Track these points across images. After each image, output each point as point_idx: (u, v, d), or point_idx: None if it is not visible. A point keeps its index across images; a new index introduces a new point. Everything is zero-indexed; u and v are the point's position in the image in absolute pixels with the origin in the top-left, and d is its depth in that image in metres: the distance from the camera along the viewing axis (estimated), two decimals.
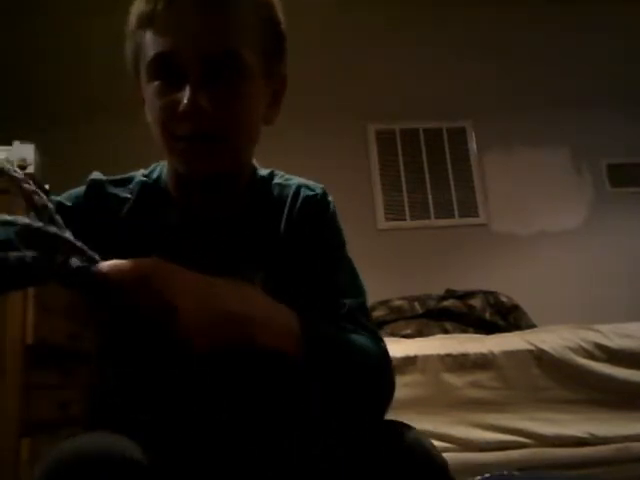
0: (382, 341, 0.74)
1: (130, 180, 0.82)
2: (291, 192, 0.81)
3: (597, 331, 1.93)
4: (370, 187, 3.64)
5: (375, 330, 0.75)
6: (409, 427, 0.65)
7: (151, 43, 0.69)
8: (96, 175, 0.81)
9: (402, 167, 3.70)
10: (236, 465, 0.69)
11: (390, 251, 3.51)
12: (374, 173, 3.67)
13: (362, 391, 0.68)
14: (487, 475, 0.46)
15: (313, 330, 0.66)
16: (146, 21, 0.70)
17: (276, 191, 0.82)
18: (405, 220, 3.61)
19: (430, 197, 3.66)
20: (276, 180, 0.84)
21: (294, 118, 3.61)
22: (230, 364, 0.67)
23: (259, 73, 0.72)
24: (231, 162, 0.74)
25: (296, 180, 0.84)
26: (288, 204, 0.80)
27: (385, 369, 0.71)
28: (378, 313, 2.90)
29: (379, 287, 3.21)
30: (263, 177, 0.83)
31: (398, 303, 2.94)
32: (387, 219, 3.61)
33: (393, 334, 2.65)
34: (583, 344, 1.87)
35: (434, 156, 3.73)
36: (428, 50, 3.18)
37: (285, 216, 0.79)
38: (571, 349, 1.85)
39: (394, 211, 3.63)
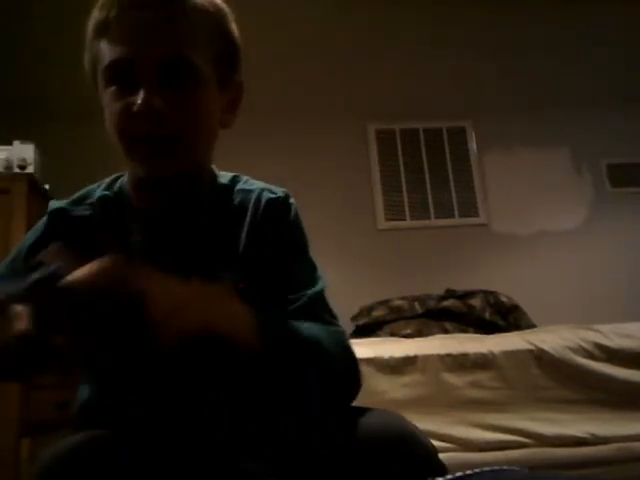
0: (339, 329, 0.76)
1: (87, 196, 0.83)
2: (253, 197, 0.82)
3: (597, 331, 1.93)
4: (370, 187, 3.64)
5: (331, 319, 0.77)
6: (397, 415, 0.66)
7: (106, 51, 0.71)
8: (53, 204, 0.82)
9: (402, 167, 3.70)
10: (208, 455, 0.70)
11: (390, 251, 3.52)
12: (374, 173, 3.67)
13: (318, 376, 0.70)
14: (478, 470, 0.46)
15: (266, 320, 0.67)
16: (101, 30, 0.72)
17: (239, 197, 0.83)
18: (405, 220, 3.61)
19: (430, 197, 3.66)
20: (238, 186, 0.84)
21: (294, 118, 3.62)
22: (194, 356, 0.67)
23: (212, 79, 0.74)
24: (189, 162, 0.76)
25: (259, 185, 0.85)
26: (251, 208, 0.81)
27: (339, 355, 0.72)
28: (378, 313, 2.90)
29: (379, 287, 3.21)
30: (224, 184, 0.84)
31: (398, 303, 2.94)
32: (387, 219, 3.61)
33: (393, 334, 2.65)
34: (583, 344, 1.86)
35: (434, 156, 3.73)
36: (428, 50, 3.18)
37: (248, 219, 0.80)
38: (571, 349, 1.85)
39: (394, 211, 3.63)
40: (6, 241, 2.17)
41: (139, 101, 0.68)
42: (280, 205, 0.82)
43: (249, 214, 0.80)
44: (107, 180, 0.85)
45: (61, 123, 3.23)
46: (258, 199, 0.82)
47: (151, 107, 0.68)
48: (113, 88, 0.71)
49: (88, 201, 0.81)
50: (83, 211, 0.80)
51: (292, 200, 0.84)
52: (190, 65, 0.71)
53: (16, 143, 2.45)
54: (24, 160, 2.42)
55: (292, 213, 0.83)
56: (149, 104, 0.68)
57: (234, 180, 0.86)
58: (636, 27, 3.10)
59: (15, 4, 2.58)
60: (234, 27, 0.78)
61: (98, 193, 0.82)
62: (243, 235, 0.79)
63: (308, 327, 0.71)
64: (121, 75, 0.70)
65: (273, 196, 0.82)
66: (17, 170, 2.40)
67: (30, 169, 2.42)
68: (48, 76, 3.02)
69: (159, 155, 0.72)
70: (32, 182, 2.38)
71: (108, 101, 0.72)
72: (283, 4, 2.74)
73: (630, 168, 3.77)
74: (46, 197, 2.47)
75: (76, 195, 0.83)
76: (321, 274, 0.81)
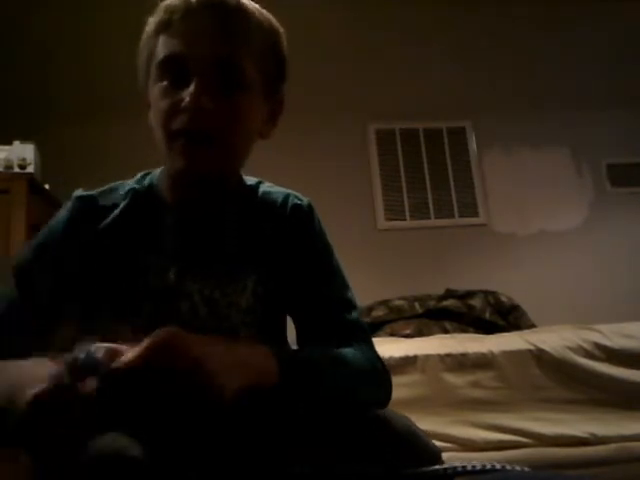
0: (373, 349, 0.78)
1: (115, 189, 0.84)
2: (279, 199, 0.85)
3: (597, 331, 1.93)
4: (370, 187, 3.64)
5: (368, 339, 0.79)
6: (402, 416, 0.67)
7: (163, 46, 0.74)
8: (79, 192, 0.82)
9: (402, 167, 3.69)
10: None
11: (390, 251, 3.51)
12: (374, 173, 3.67)
13: (358, 401, 0.70)
14: (477, 465, 0.46)
15: (288, 357, 0.67)
16: (162, 27, 0.75)
17: (263, 199, 0.85)
18: (405, 220, 3.61)
19: (430, 197, 3.66)
20: (262, 188, 0.87)
21: (294, 118, 3.61)
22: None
23: (258, 89, 0.77)
24: (225, 165, 0.77)
25: (283, 190, 0.88)
26: (277, 210, 0.84)
27: (378, 376, 0.75)
28: (378, 313, 2.90)
29: (379, 287, 3.21)
30: (250, 186, 0.87)
31: (398, 303, 2.94)
32: (387, 219, 3.61)
33: (393, 334, 2.65)
34: (583, 344, 1.86)
35: (434, 156, 3.73)
36: (428, 50, 3.18)
37: (274, 222, 0.83)
38: (571, 349, 1.85)
39: (394, 211, 3.63)
40: (6, 241, 2.17)
41: (188, 97, 0.70)
42: (306, 212, 0.85)
43: (275, 216, 0.83)
44: (137, 176, 0.87)
45: (61, 123, 3.23)
46: (284, 203, 0.84)
47: (199, 104, 0.70)
48: (164, 83, 0.74)
49: (116, 194, 0.82)
50: (112, 201, 0.81)
51: (315, 208, 0.87)
52: (240, 69, 0.74)
53: (16, 143, 2.45)
54: (24, 160, 2.42)
55: (317, 222, 0.86)
56: (197, 100, 0.70)
57: (258, 184, 0.88)
58: (636, 27, 3.10)
59: (15, 4, 2.58)
60: (285, 46, 0.83)
61: (127, 187, 0.83)
62: (268, 237, 0.81)
63: (348, 353, 0.72)
64: (174, 71, 0.73)
65: (299, 202, 0.85)
66: (17, 170, 2.40)
67: (30, 169, 2.42)
68: (48, 76, 3.02)
69: (198, 152, 0.73)
70: (32, 182, 2.38)
71: (157, 96, 0.74)
72: (283, 4, 2.74)
73: (630, 168, 3.77)
74: (46, 197, 2.47)
75: (103, 188, 0.84)
76: (352, 294, 0.83)
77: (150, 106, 0.78)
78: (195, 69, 0.71)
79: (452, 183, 3.69)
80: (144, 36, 0.79)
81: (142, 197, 0.82)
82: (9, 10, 2.60)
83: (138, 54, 0.80)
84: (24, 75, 3.03)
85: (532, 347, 1.86)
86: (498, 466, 0.50)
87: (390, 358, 1.82)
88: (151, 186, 0.84)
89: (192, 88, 0.70)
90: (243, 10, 0.75)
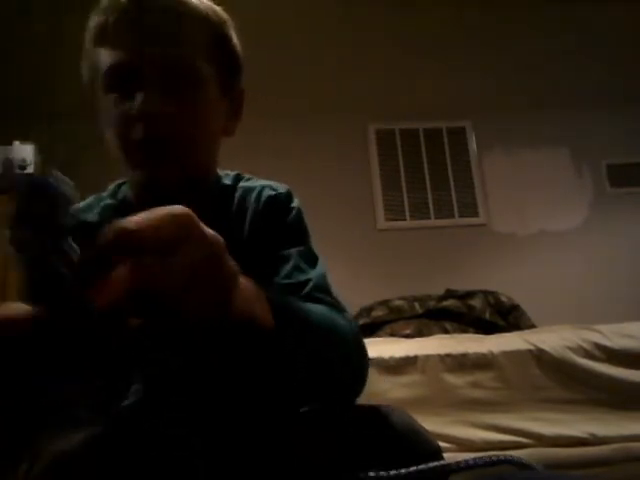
0: (347, 312, 0.70)
1: (93, 205, 0.80)
2: (254, 194, 0.79)
3: (597, 331, 1.93)
4: (370, 187, 3.65)
5: (339, 302, 0.71)
6: (403, 412, 0.66)
7: (105, 57, 0.69)
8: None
9: (402, 167, 3.70)
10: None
11: (390, 251, 3.52)
12: (374, 173, 3.67)
13: (340, 363, 0.62)
14: (483, 457, 0.45)
15: (282, 300, 0.58)
16: (99, 37, 0.71)
17: (240, 196, 0.80)
18: (405, 220, 3.61)
19: (430, 197, 3.66)
20: (240, 184, 0.82)
21: (294, 118, 3.62)
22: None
23: (214, 84, 0.73)
24: (191, 171, 0.72)
25: (260, 182, 0.82)
26: (251, 206, 0.78)
27: (356, 340, 0.67)
28: (378, 313, 2.90)
29: (379, 287, 3.21)
30: (227, 185, 0.82)
31: (398, 303, 2.94)
32: (387, 219, 3.61)
33: (393, 334, 2.65)
34: (583, 344, 1.86)
35: (434, 156, 3.73)
36: (428, 50, 3.18)
37: (249, 218, 0.77)
38: (571, 349, 1.85)
39: (394, 211, 3.63)
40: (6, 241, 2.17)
41: (140, 106, 0.66)
42: (281, 202, 0.79)
43: (249, 212, 0.78)
44: (110, 187, 0.83)
45: (61, 123, 3.23)
46: (258, 196, 0.79)
47: (149, 109, 0.66)
48: (112, 96, 0.69)
49: (91, 212, 0.79)
50: (91, 218, 0.78)
51: (294, 197, 0.81)
52: (191, 67, 0.70)
53: (16, 143, 2.46)
54: (24, 160, 2.42)
55: (293, 209, 0.79)
56: (147, 106, 0.66)
57: (237, 179, 0.84)
58: (636, 27, 3.10)
59: (15, 3, 2.58)
60: (234, 34, 0.78)
61: (102, 202, 0.80)
62: (244, 234, 0.76)
63: (323, 312, 0.64)
64: (121, 82, 0.68)
65: (273, 193, 0.79)
66: (17, 170, 2.41)
67: (30, 169, 2.42)
68: (48, 76, 3.02)
69: (159, 160, 0.69)
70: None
71: (107, 109, 0.70)
72: (283, 5, 2.74)
73: (630, 168, 3.77)
74: None
75: (83, 203, 0.81)
76: (322, 262, 0.76)
77: (99, 114, 0.74)
78: (143, 77, 0.67)
79: (452, 183, 3.69)
80: (84, 45, 0.74)
81: (116, 213, 0.74)
82: (9, 10, 2.60)
83: (82, 67, 0.75)
84: (24, 75, 3.03)
85: (532, 347, 1.86)
86: (514, 458, 0.49)
87: (390, 358, 1.82)
88: (124, 200, 0.79)
89: (142, 95, 0.67)
90: (183, 3, 0.71)
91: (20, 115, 3.07)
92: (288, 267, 0.72)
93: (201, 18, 0.72)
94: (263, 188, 0.80)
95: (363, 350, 0.68)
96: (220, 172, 0.84)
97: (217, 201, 0.79)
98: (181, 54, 0.69)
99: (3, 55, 2.84)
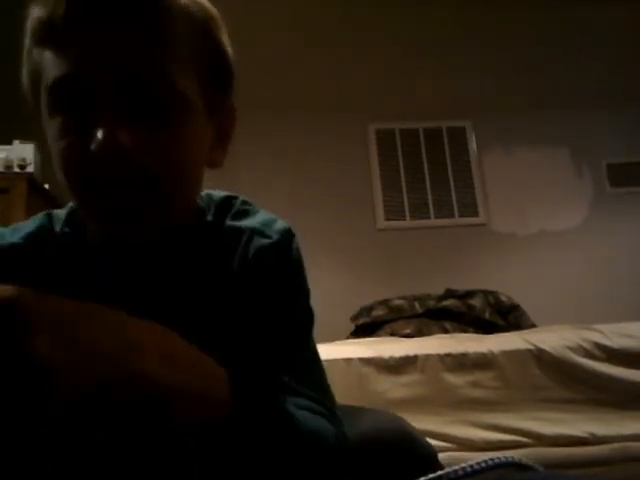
0: (342, 424, 0.59)
1: (50, 230, 0.63)
2: (243, 241, 0.62)
3: (597, 331, 1.93)
4: (370, 187, 3.65)
5: (335, 412, 0.60)
6: (396, 417, 0.65)
7: (51, 64, 0.51)
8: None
9: (402, 167, 3.70)
10: None
11: (390, 251, 3.52)
12: (374, 173, 3.67)
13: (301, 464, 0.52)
14: (481, 462, 0.45)
15: (247, 386, 0.49)
16: (45, 34, 0.52)
17: (226, 241, 0.63)
18: (405, 220, 3.62)
19: (430, 197, 3.66)
20: (228, 222, 0.65)
21: (294, 118, 3.62)
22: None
23: (198, 104, 0.55)
24: (167, 218, 0.55)
25: (252, 221, 0.64)
26: (238, 254, 0.62)
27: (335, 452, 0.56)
28: (378, 313, 2.90)
29: (379, 286, 3.22)
30: (210, 223, 0.65)
31: (398, 303, 2.94)
32: (387, 219, 3.61)
33: (393, 334, 2.65)
34: (583, 344, 1.86)
35: (434, 156, 3.73)
36: (428, 50, 3.18)
37: (234, 270, 0.61)
38: (571, 349, 1.85)
39: (394, 211, 3.63)
40: None
41: (99, 137, 0.48)
42: (274, 254, 0.61)
43: (236, 263, 0.61)
44: (64, 211, 0.65)
45: None
46: (247, 244, 0.62)
47: (115, 145, 0.48)
48: (60, 118, 0.51)
49: (52, 240, 0.62)
50: (46, 250, 0.61)
51: (293, 241, 0.64)
52: (169, 84, 0.51)
53: (16, 143, 2.46)
54: (24, 160, 2.42)
55: (289, 264, 0.63)
56: (112, 141, 0.48)
57: (223, 212, 0.66)
58: (636, 27, 3.10)
59: (15, 3, 2.58)
60: (226, 37, 0.59)
61: (58, 228, 0.63)
62: (230, 292, 0.60)
63: (306, 417, 0.54)
64: (71, 100, 0.50)
65: (266, 242, 0.61)
66: (17, 170, 2.41)
67: (30, 169, 2.42)
68: None
69: (126, 213, 0.51)
70: (32, 182, 2.39)
71: (54, 135, 0.52)
72: (283, 4, 2.74)
73: (630, 168, 3.77)
74: (46, 197, 2.47)
75: (31, 226, 0.63)
76: (327, 382, 0.64)
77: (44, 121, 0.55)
78: (101, 95, 0.49)
79: (452, 183, 3.69)
80: (24, 43, 0.57)
81: (73, 251, 0.60)
82: (9, 10, 2.61)
83: (22, 71, 0.59)
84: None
85: (532, 347, 1.86)
86: (515, 459, 0.49)
87: (390, 358, 1.82)
88: (83, 229, 0.61)
89: (103, 125, 0.48)
90: None
91: (20, 115, 3.07)
92: (277, 353, 0.59)
93: (183, 14, 0.53)
94: (253, 233, 0.63)
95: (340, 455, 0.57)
96: (203, 194, 0.67)
97: (197, 249, 0.63)
98: (154, 66, 0.50)
99: (3, 55, 2.84)
